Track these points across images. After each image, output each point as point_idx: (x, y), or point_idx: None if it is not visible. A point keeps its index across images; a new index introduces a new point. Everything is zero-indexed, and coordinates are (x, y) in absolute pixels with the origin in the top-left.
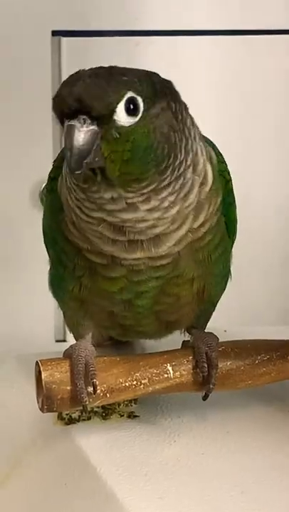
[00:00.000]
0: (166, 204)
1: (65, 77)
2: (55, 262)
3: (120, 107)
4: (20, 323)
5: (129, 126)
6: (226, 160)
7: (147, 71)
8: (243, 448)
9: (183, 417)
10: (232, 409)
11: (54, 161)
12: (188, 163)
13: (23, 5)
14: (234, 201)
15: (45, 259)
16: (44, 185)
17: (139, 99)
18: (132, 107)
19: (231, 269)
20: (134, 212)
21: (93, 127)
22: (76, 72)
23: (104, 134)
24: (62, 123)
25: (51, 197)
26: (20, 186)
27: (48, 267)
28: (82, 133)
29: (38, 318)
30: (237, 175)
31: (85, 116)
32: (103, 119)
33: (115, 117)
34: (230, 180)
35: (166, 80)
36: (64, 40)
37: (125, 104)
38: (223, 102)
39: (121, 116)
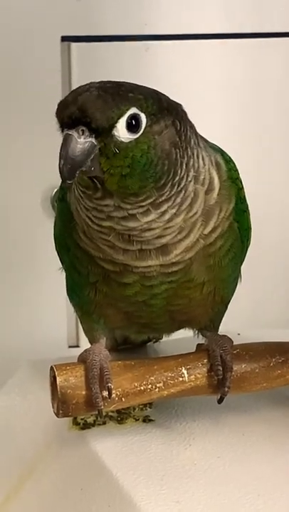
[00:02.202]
0: (167, 216)
1: (74, 82)
2: (69, 269)
3: (121, 123)
4: (34, 329)
5: (129, 142)
6: (238, 166)
7: (157, 91)
8: (259, 451)
9: (198, 420)
10: (247, 412)
11: None
12: (190, 178)
13: (33, 11)
14: (247, 209)
15: (57, 265)
16: (56, 190)
17: (143, 116)
18: (133, 123)
19: (245, 272)
20: (136, 221)
21: (91, 139)
22: (86, 84)
23: (103, 148)
24: (62, 130)
25: (61, 206)
26: (32, 193)
27: (61, 274)
28: (79, 144)
29: (51, 324)
30: (248, 178)
31: (84, 128)
32: (102, 133)
33: (115, 132)
34: (242, 187)
35: (175, 101)
36: (74, 45)
37: (127, 120)
38: (233, 105)
39: (121, 132)
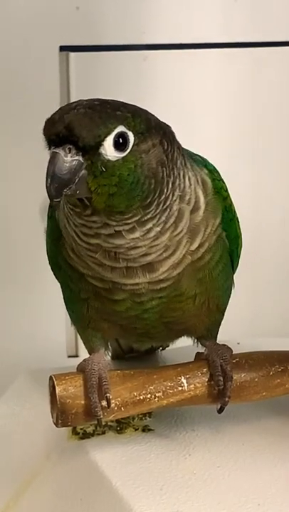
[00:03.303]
0: (152, 234)
1: (73, 92)
2: (62, 284)
3: (108, 141)
4: (33, 339)
5: (116, 160)
6: (234, 173)
7: (146, 110)
8: (258, 460)
9: (198, 430)
10: (247, 422)
11: None
12: (175, 197)
13: (31, 21)
14: (234, 217)
15: None
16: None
17: (130, 134)
18: (121, 141)
19: (245, 281)
20: (122, 238)
21: (78, 158)
22: (74, 101)
23: (89, 166)
24: (49, 148)
25: (51, 224)
26: (30, 202)
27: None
28: (66, 162)
29: (50, 333)
30: (246, 187)
31: (70, 146)
32: (89, 151)
33: (102, 150)
34: (228, 196)
35: (164, 122)
36: (72, 55)
37: (114, 138)
38: (231, 115)
39: (108, 150)
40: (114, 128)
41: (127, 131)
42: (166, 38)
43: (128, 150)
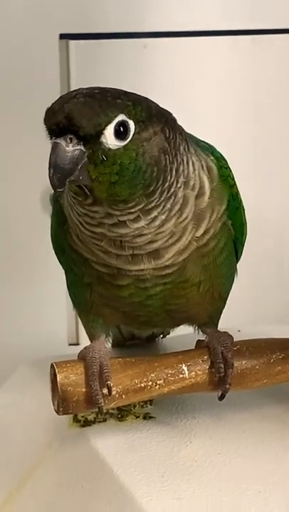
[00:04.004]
0: (157, 222)
1: (73, 80)
2: (66, 269)
3: (109, 130)
4: (34, 328)
5: (117, 149)
6: (235, 161)
7: (147, 98)
8: (260, 447)
9: (199, 417)
10: (248, 409)
11: None
12: (180, 184)
13: (31, 9)
14: (240, 205)
15: (57, 264)
16: None
17: (131, 123)
18: (121, 129)
19: (245, 269)
20: (126, 227)
21: (79, 147)
22: (74, 90)
23: (90, 155)
24: (50, 138)
25: (56, 207)
26: (31, 190)
27: (61, 273)
28: (68, 152)
29: (51, 322)
30: (246, 175)
31: (72, 136)
32: (90, 140)
33: (103, 139)
34: (235, 184)
35: (165, 109)
36: (72, 43)
37: (115, 127)
38: (232, 101)
39: (109, 139)
40: (115, 116)
41: (128, 119)
42: (166, 25)
43: (129, 138)
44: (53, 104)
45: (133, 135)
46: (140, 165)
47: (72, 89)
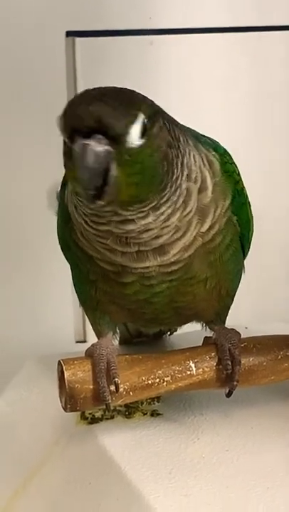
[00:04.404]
0: (164, 216)
1: (79, 77)
2: (72, 266)
3: (134, 128)
4: (41, 325)
5: (138, 147)
6: (241, 157)
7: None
8: (267, 444)
9: (206, 414)
10: (255, 405)
11: None
12: (184, 176)
13: (37, 6)
14: (246, 201)
15: (64, 261)
16: (60, 187)
17: (146, 121)
18: (142, 128)
19: (253, 266)
20: (134, 224)
21: (108, 147)
22: (84, 92)
23: (116, 155)
24: (71, 140)
25: (61, 205)
26: (37, 188)
27: (67, 270)
28: (98, 153)
29: (58, 319)
30: (252, 173)
31: (101, 136)
32: (117, 140)
33: (128, 138)
34: (240, 180)
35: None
36: (78, 40)
37: (138, 126)
38: (237, 98)
39: (133, 138)
40: (137, 115)
41: (144, 117)
42: (172, 22)
43: (146, 136)
44: (72, 106)
45: (147, 132)
46: (155, 161)
47: (77, 87)
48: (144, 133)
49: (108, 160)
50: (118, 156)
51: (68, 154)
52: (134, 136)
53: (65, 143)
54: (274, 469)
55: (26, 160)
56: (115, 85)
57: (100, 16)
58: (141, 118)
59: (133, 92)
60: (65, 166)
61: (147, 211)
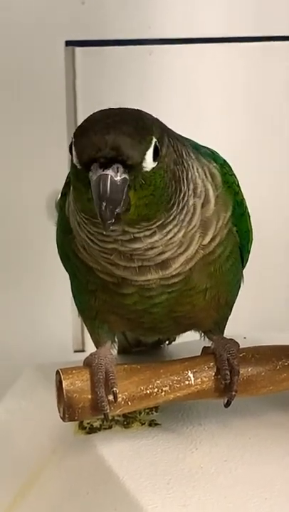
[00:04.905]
0: (170, 235)
1: (79, 87)
2: (71, 275)
3: (149, 154)
4: (39, 334)
5: (151, 170)
6: (241, 167)
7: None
8: (265, 454)
9: (204, 424)
10: (253, 416)
11: (67, 177)
12: (190, 192)
13: (37, 16)
14: (245, 211)
15: (62, 270)
16: (59, 195)
17: (158, 143)
18: (155, 151)
19: (251, 276)
20: (140, 242)
21: (125, 176)
22: (96, 117)
23: (132, 181)
24: (87, 168)
25: (61, 216)
26: (36, 196)
27: (66, 279)
28: (117, 183)
29: (56, 328)
30: (252, 182)
31: (119, 165)
32: (135, 167)
33: (144, 164)
34: (240, 191)
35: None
36: (78, 50)
37: (152, 150)
38: (237, 108)
39: (148, 163)
40: (151, 140)
41: (157, 139)
42: (171, 32)
43: (158, 158)
44: (87, 134)
45: (160, 154)
46: (166, 181)
47: (76, 97)
48: (157, 156)
49: (125, 188)
50: (133, 182)
51: (80, 179)
52: (149, 161)
53: (74, 165)
54: (272, 480)
55: (25, 169)
56: (114, 94)
57: (99, 26)
58: (153, 141)
59: (141, 112)
60: (74, 188)
61: (154, 229)
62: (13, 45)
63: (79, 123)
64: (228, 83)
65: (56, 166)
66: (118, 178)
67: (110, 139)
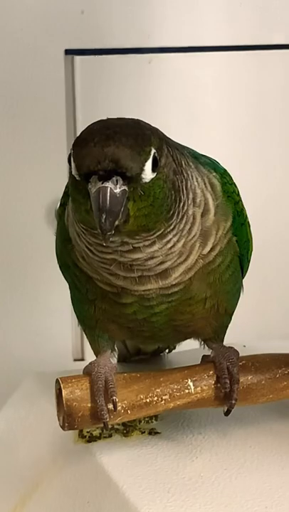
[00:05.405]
0: (170, 245)
1: (78, 95)
2: (70, 284)
3: (147, 165)
4: (39, 343)
5: (150, 181)
6: (240, 176)
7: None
8: (266, 463)
9: (204, 432)
10: (253, 424)
11: (66, 187)
12: (190, 201)
13: (36, 24)
14: (245, 221)
15: (62, 279)
16: (58, 204)
17: (157, 154)
18: (154, 162)
19: (251, 284)
20: (140, 253)
21: (124, 187)
22: (95, 129)
23: (131, 193)
24: (86, 180)
25: (60, 225)
26: (36, 204)
27: (66, 287)
28: (117, 195)
29: (56, 337)
30: (254, 191)
31: (118, 177)
32: (134, 179)
33: (143, 175)
34: (240, 200)
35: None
36: (77, 58)
37: (151, 161)
38: (237, 117)
39: (147, 174)
40: (150, 151)
41: (155, 150)
42: (171, 41)
43: (157, 169)
44: (86, 146)
45: (158, 164)
46: (165, 191)
47: (76, 105)
48: (156, 166)
49: (124, 199)
50: (132, 193)
51: (79, 190)
52: (148, 172)
53: (73, 176)
54: (272, 488)
55: (25, 177)
56: (114, 103)
57: (99, 34)
58: (152, 152)
59: (140, 122)
60: (73, 199)
61: (154, 239)
62: (13, 53)
63: (78, 131)
64: (228, 91)
65: (56, 174)
66: (117, 191)
67: (110, 151)
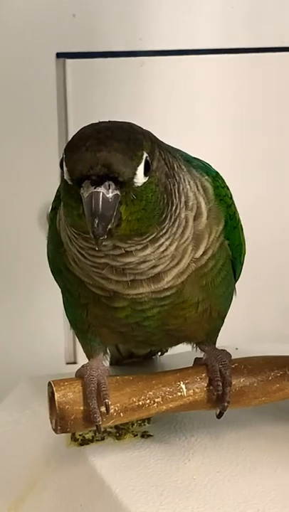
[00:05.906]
0: (163, 248)
1: (70, 99)
2: (62, 289)
3: (140, 169)
4: (31, 346)
5: (142, 185)
6: (233, 179)
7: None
8: (258, 465)
9: (197, 435)
10: (246, 427)
11: (57, 190)
12: (182, 205)
13: (28, 27)
14: (238, 224)
15: (54, 283)
16: (50, 208)
17: (149, 157)
18: (146, 166)
19: (243, 287)
20: (132, 256)
21: (117, 192)
22: (86, 133)
23: (123, 197)
24: (78, 184)
25: (52, 229)
26: (28, 208)
27: (58, 291)
28: (109, 199)
29: (48, 340)
30: (246, 194)
31: (110, 182)
32: (126, 183)
33: (135, 180)
34: (232, 204)
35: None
36: (69, 61)
37: (143, 165)
38: (229, 120)
39: (139, 178)
40: (142, 155)
41: (148, 154)
42: (162, 44)
43: (149, 173)
44: (78, 151)
45: (150, 168)
46: (157, 195)
47: (67, 109)
48: (148, 170)
49: (116, 203)
50: (124, 197)
51: (71, 194)
52: (140, 176)
53: (65, 181)
54: (265, 491)
55: (17, 181)
56: (105, 106)
57: (90, 38)
58: (144, 156)
59: (132, 126)
60: (65, 203)
61: (146, 243)
62: (4, 56)
63: (70, 134)
64: (220, 94)
65: (48, 177)
66: (110, 195)
67: (102, 156)
